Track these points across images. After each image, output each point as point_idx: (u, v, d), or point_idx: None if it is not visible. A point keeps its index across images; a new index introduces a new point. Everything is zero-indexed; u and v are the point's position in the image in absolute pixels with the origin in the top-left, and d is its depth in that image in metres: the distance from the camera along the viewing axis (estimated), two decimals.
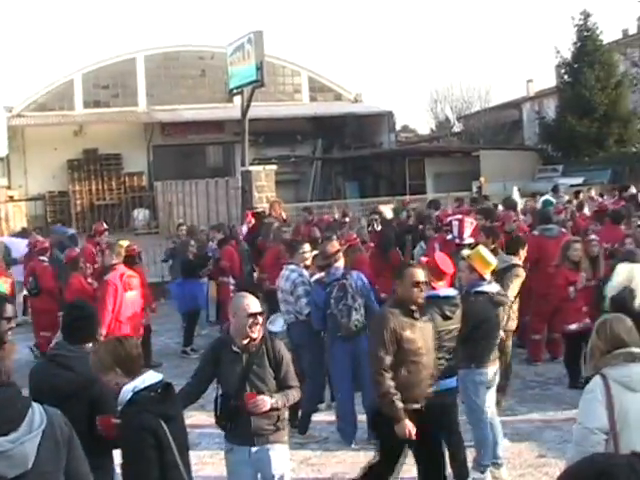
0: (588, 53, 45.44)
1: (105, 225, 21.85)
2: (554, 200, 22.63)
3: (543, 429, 10.83)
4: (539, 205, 21.40)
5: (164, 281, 20.91)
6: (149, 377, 5.77)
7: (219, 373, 7.33)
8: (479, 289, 9.22)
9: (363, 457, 10.06)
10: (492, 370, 9.15)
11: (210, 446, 10.65)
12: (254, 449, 7.21)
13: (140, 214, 47.75)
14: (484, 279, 9.22)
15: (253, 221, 21.07)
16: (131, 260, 14.87)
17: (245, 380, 7.14)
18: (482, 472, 9.09)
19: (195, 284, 17.27)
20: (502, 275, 10.84)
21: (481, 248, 9.71)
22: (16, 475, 4.33)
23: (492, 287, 9.24)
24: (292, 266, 11.86)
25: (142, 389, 5.67)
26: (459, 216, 14.73)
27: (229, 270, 16.98)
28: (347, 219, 21.07)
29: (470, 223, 13.49)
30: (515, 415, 11.34)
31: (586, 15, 46.37)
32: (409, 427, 7.60)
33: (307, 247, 12.04)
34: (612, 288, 10.07)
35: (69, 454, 4.69)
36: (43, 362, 7.72)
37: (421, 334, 7.84)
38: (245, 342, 7.16)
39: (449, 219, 15.25)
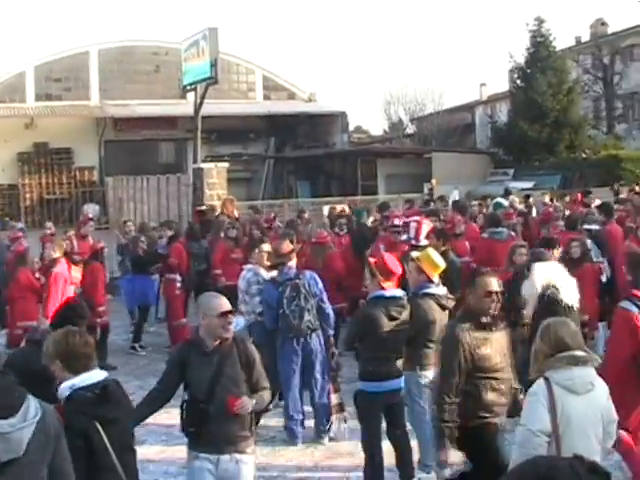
0: (541, 59, 45.84)
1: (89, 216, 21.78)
2: (506, 203, 22.85)
3: None
4: (491, 208, 21.63)
5: (113, 277, 20.75)
6: (90, 376, 5.69)
7: (187, 377, 7.01)
8: (426, 291, 9.24)
9: (310, 456, 10.10)
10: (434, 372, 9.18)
11: (156, 444, 10.62)
12: (222, 458, 6.86)
13: (90, 209, 47.36)
14: (432, 281, 9.25)
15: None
16: (95, 256, 14.98)
17: (216, 383, 6.82)
18: (427, 472, 9.13)
19: (145, 280, 17.22)
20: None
21: (430, 250, 9.74)
22: (8, 459, 4.39)
23: (439, 289, 9.27)
24: (249, 265, 11.92)
25: (80, 388, 5.61)
26: (417, 217, 14.78)
27: (176, 267, 16.86)
28: (303, 218, 21.12)
29: (427, 225, 13.53)
30: None
31: (540, 21, 46.81)
32: (452, 455, 7.55)
33: (266, 247, 12.04)
34: (530, 287, 10.00)
35: (55, 449, 4.74)
36: (25, 347, 7.85)
37: (497, 347, 7.49)
38: (216, 343, 6.87)
39: (406, 220, 15.31)
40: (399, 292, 8.93)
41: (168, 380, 7.24)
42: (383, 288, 8.75)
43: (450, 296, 9.41)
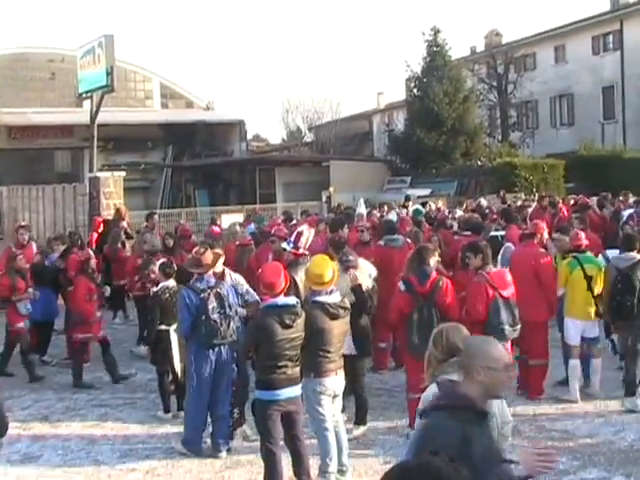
0: (437, 68, 46.36)
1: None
2: (423, 210, 23.27)
3: (388, 435, 10.98)
4: (410, 213, 22.18)
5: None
6: None
7: None
8: (315, 299, 9.27)
9: (210, 466, 10.05)
10: (333, 380, 9.19)
11: (52, 458, 10.48)
12: None
13: None
14: (322, 289, 9.24)
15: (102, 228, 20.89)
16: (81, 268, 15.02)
17: None
18: (327, 479, 9.17)
19: (48, 293, 16.76)
20: (629, 271, 11.74)
21: (317, 260, 9.66)
22: None
23: (331, 297, 9.26)
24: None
25: None
26: (302, 227, 14.80)
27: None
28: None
29: (310, 234, 13.52)
30: None
31: (436, 31, 47.34)
32: None
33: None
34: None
35: None
36: None
37: None
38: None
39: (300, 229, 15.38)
40: (292, 300, 8.97)
41: None
42: (266, 299, 8.87)
43: (342, 305, 9.34)
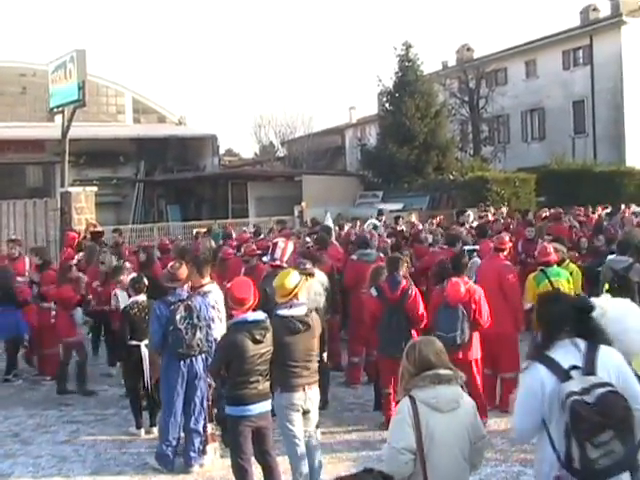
0: (409, 83, 46.44)
1: None
2: (379, 224, 23.33)
3: (361, 450, 10.96)
4: (365, 229, 22.13)
5: None
6: None
7: None
8: (277, 312, 9.23)
9: None
10: (300, 395, 9.14)
11: (23, 475, 10.40)
12: None
13: None
14: (287, 302, 9.21)
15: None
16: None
17: None
18: None
19: (14, 312, 16.51)
20: (625, 272, 13.21)
21: (281, 273, 9.65)
22: None
23: (292, 311, 9.22)
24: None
25: None
26: (277, 240, 14.80)
27: (50, 296, 16.31)
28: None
29: (287, 246, 13.53)
30: (334, 437, 11.46)
31: (408, 46, 47.46)
32: None
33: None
34: None
35: None
36: None
37: None
38: None
39: (275, 241, 15.46)
40: (261, 315, 8.95)
41: None
42: (235, 315, 8.88)
43: (303, 319, 9.26)
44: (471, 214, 26.49)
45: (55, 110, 33.86)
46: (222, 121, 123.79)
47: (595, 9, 51.76)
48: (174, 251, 17.99)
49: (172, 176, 55.22)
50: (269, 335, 8.77)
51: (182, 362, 10.44)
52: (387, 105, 48.31)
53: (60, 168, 34.59)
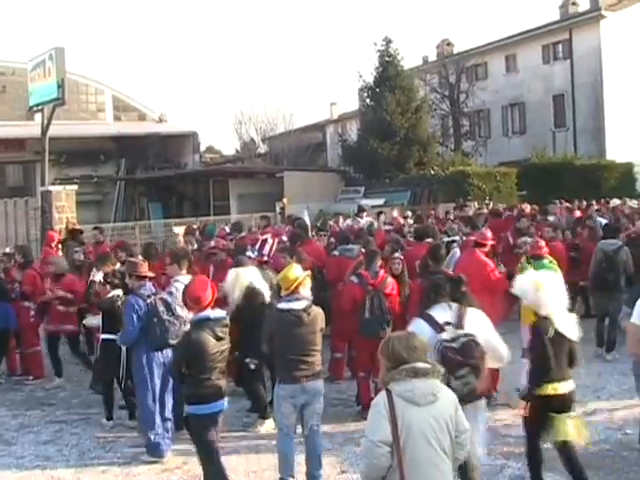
0: (389, 78, 46.46)
1: None
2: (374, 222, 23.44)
3: (345, 445, 10.98)
4: (341, 225, 22.19)
5: None
6: None
7: None
8: (277, 305, 9.58)
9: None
10: (299, 387, 9.23)
11: (6, 476, 10.38)
12: None
13: None
14: (289, 295, 9.38)
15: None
16: None
17: None
18: None
19: (5, 304, 16.39)
20: (613, 254, 15.16)
21: (289, 267, 9.84)
22: None
23: (293, 304, 9.34)
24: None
25: None
26: (266, 236, 14.88)
27: (30, 295, 16.25)
28: None
29: (274, 242, 13.67)
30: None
31: (388, 41, 47.47)
32: None
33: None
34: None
35: None
36: None
37: None
38: None
39: (264, 237, 15.61)
40: (222, 313, 9.04)
41: None
42: (194, 313, 8.93)
43: (302, 313, 9.36)
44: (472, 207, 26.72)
45: (35, 109, 33.67)
46: (203, 118, 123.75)
47: (574, 3, 52.04)
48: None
49: (153, 174, 55.13)
50: (227, 332, 8.89)
51: (160, 353, 10.70)
52: (368, 100, 48.33)
53: (40, 167, 34.45)
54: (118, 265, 13.80)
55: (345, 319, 12.97)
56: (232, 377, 12.97)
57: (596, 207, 27.51)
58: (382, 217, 25.04)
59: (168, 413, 10.81)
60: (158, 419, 10.75)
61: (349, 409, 12.79)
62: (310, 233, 20.06)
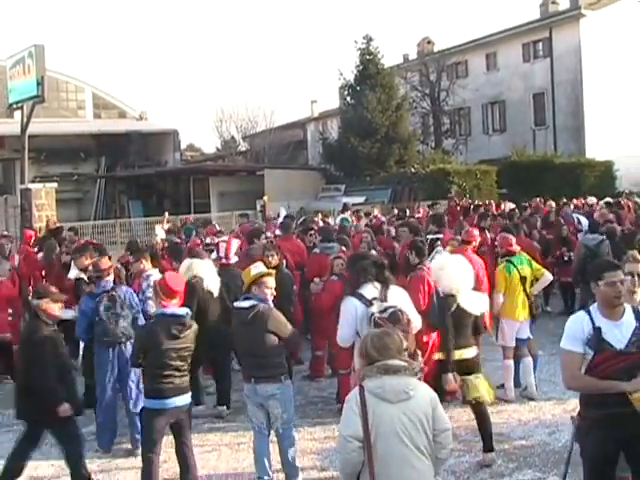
0: (370, 76, 46.57)
1: None
2: (350, 218, 23.41)
3: (325, 443, 10.96)
4: (338, 223, 22.26)
5: None
6: None
7: None
8: (234, 303, 9.71)
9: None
10: (251, 387, 9.21)
11: None
12: None
13: None
14: (247, 293, 9.44)
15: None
16: None
17: None
18: None
19: None
20: (596, 248, 15.84)
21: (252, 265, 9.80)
22: None
23: (243, 303, 9.35)
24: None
25: None
26: (225, 237, 14.94)
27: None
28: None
29: (237, 244, 13.72)
30: (298, 430, 11.42)
31: (368, 39, 47.62)
32: None
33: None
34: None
35: None
36: None
37: None
38: None
39: (216, 240, 15.65)
40: (182, 310, 9.02)
41: None
42: (164, 306, 8.89)
43: (247, 312, 9.34)
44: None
45: (14, 106, 33.50)
46: (183, 116, 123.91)
47: (554, 2, 52.26)
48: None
49: (133, 172, 55.03)
50: (188, 332, 8.85)
51: (111, 350, 10.89)
52: (348, 98, 48.45)
53: (20, 165, 34.29)
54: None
55: (325, 317, 12.94)
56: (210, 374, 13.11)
57: (574, 205, 27.76)
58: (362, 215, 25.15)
59: (134, 408, 10.80)
60: (108, 413, 11.05)
61: (330, 406, 12.77)
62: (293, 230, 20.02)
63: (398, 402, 5.85)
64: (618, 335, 6.75)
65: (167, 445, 9.72)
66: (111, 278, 11.30)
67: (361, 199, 39.19)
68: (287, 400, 9.23)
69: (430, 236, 16.87)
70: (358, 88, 47.08)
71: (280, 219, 23.33)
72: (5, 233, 21.14)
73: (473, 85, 52.55)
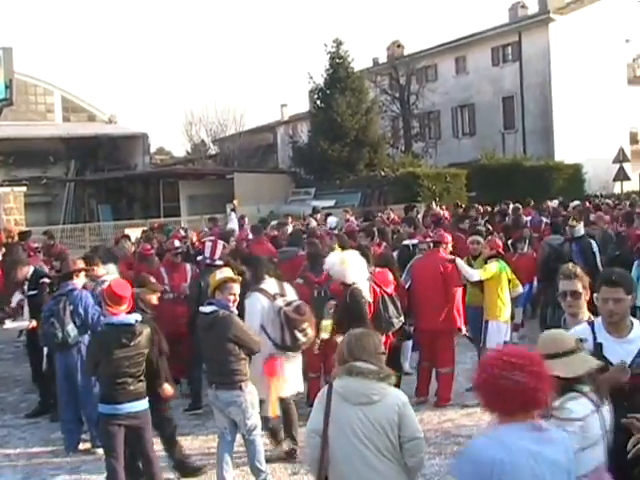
0: (340, 80, 46.59)
1: None
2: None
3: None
4: (328, 225, 23.22)
5: None
6: None
7: None
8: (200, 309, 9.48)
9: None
10: (212, 392, 9.19)
11: None
12: None
13: None
14: (210, 299, 9.36)
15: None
16: None
17: None
18: None
19: None
20: (560, 248, 16.08)
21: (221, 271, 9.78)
22: None
23: (204, 308, 9.27)
24: None
25: None
26: (212, 238, 14.79)
27: None
28: None
29: (222, 246, 13.59)
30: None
31: (338, 43, 47.62)
32: None
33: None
34: None
35: None
36: None
37: None
38: None
39: (203, 240, 15.55)
40: (131, 318, 8.92)
41: None
42: (113, 313, 8.84)
43: (207, 318, 9.30)
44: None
45: None
46: (153, 119, 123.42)
47: (523, 6, 52.61)
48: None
49: (103, 175, 54.80)
50: (140, 339, 8.78)
51: (59, 354, 11.04)
52: (318, 102, 48.39)
53: None
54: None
55: None
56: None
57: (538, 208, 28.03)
58: (330, 219, 25.22)
59: (92, 411, 10.49)
60: (66, 414, 11.17)
61: (300, 410, 12.72)
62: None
63: (360, 405, 5.83)
64: (621, 352, 6.04)
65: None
66: (79, 281, 11.24)
67: (331, 202, 39.23)
68: (248, 407, 9.11)
69: (406, 242, 16.91)
70: (328, 92, 47.07)
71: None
72: None
73: (443, 89, 52.74)
